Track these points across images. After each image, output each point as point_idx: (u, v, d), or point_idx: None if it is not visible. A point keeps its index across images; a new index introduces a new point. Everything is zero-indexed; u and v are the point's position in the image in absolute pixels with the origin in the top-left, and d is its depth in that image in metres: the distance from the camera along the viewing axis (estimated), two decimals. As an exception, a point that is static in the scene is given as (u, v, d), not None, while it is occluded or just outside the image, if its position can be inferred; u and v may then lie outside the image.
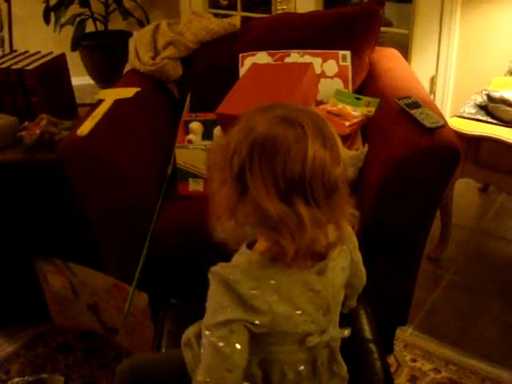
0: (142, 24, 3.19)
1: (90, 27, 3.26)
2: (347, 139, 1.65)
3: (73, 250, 1.67)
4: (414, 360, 1.65)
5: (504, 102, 1.85)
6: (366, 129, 1.67)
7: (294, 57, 1.82)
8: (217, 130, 1.70)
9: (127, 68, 1.94)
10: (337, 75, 1.83)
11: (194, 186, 1.58)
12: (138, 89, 1.72)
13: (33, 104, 1.73)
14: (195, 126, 1.71)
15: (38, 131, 1.61)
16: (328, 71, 1.83)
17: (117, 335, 1.75)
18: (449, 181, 1.41)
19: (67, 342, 1.79)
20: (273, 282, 0.84)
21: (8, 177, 1.64)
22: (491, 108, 1.89)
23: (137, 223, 1.52)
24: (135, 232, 1.53)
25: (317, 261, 0.89)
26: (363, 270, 1.06)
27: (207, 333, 0.83)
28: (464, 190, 2.33)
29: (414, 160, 1.35)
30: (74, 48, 3.06)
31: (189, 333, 1.04)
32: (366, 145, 1.60)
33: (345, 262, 0.96)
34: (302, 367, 0.93)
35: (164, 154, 1.69)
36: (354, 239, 1.00)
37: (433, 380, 1.59)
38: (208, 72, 1.86)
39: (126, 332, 1.71)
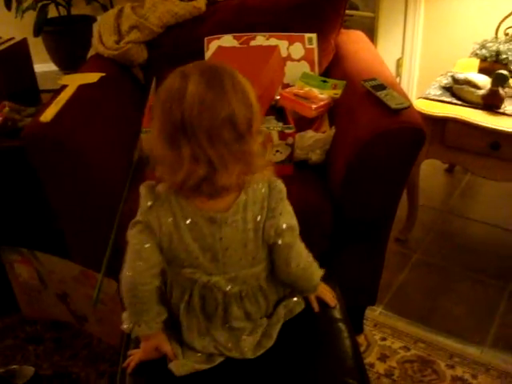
0: (105, 8, 3.13)
1: (52, 12, 3.19)
2: (314, 122, 1.66)
3: (39, 239, 1.65)
4: (383, 339, 1.68)
5: (468, 83, 1.88)
6: (332, 111, 1.68)
7: (260, 40, 1.81)
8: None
9: (91, 53, 1.90)
10: (303, 58, 1.83)
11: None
12: (103, 74, 1.69)
13: (-6, 90, 1.69)
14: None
15: (0, 118, 1.57)
16: (294, 54, 1.82)
17: (86, 323, 1.73)
18: (414, 161, 1.43)
19: (36, 332, 1.76)
20: (170, 204, 0.97)
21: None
22: (456, 89, 1.91)
23: (103, 210, 1.50)
24: (101, 219, 1.51)
25: (214, 207, 0.97)
26: (294, 264, 1.04)
27: (127, 233, 1.01)
28: (430, 171, 2.36)
29: (379, 141, 1.36)
30: (36, 34, 2.99)
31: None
32: (333, 127, 1.61)
33: (249, 222, 0.99)
34: (187, 292, 1.03)
35: (131, 139, 1.67)
36: (276, 199, 1.00)
37: (402, 357, 1.62)
38: (173, 56, 1.83)
39: (96, 320, 1.69)
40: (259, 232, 1.00)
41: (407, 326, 1.73)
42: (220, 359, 1.06)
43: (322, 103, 1.64)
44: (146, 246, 0.98)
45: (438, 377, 1.56)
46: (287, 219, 1.01)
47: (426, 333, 1.70)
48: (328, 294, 1.16)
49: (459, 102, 1.87)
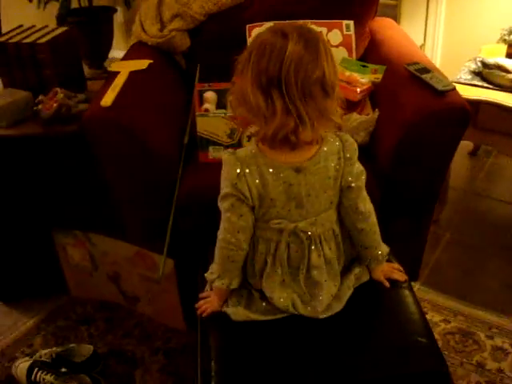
0: (126, 0, 3.17)
1: (73, 3, 3.21)
2: (358, 105, 1.72)
3: (94, 221, 1.70)
4: (424, 313, 1.75)
5: (499, 67, 1.94)
6: (374, 95, 1.74)
7: (300, 26, 1.86)
8: (208, 94, 1.74)
9: (132, 41, 1.94)
10: (341, 44, 1.89)
11: (215, 153, 1.62)
12: (151, 61, 1.74)
13: (44, 78, 1.73)
14: (209, 95, 1.74)
15: (54, 105, 1.62)
16: (333, 40, 1.88)
17: (138, 304, 1.79)
18: (460, 141, 1.49)
19: (87, 313, 1.83)
20: (258, 168, 1.06)
21: (26, 150, 1.64)
22: (486, 74, 1.98)
23: (160, 191, 1.56)
24: (158, 199, 1.56)
25: (298, 158, 1.07)
26: (361, 206, 1.15)
27: (219, 203, 1.12)
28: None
29: (428, 122, 1.43)
30: (59, 24, 3.01)
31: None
32: (377, 110, 1.67)
33: (330, 170, 1.10)
34: (273, 245, 1.13)
35: (179, 123, 1.72)
36: (351, 150, 1.11)
37: (444, 330, 1.69)
38: (215, 43, 1.89)
39: (148, 300, 1.75)
40: (338, 179, 1.12)
41: (446, 300, 1.80)
42: (282, 315, 1.14)
43: (364, 87, 1.71)
44: (242, 217, 1.10)
45: (479, 347, 1.64)
46: (358, 165, 1.14)
47: (464, 307, 1.78)
48: (395, 272, 1.23)
49: (490, 86, 1.94)
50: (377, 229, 1.19)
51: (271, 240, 1.13)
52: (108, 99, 1.49)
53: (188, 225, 1.57)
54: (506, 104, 1.85)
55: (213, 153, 1.63)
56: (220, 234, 1.14)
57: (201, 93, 1.76)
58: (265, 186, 1.07)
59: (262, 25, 1.87)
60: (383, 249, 1.20)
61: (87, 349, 1.63)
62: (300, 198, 1.10)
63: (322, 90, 0.99)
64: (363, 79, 1.74)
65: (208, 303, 1.19)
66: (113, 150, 1.49)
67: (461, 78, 2.01)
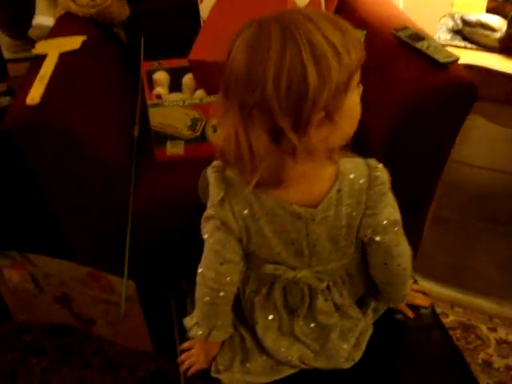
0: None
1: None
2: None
3: (33, 240, 1.41)
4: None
5: (482, 25, 1.74)
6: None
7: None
8: (187, 79, 1.46)
9: (59, 12, 1.59)
10: (309, 5, 1.62)
11: (173, 149, 1.35)
12: (84, 37, 1.42)
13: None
14: (161, 76, 1.45)
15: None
16: (299, 1, 1.61)
17: (94, 326, 1.53)
18: (465, 120, 1.29)
19: (36, 341, 1.55)
20: (247, 195, 0.81)
21: None
22: (468, 32, 1.77)
23: (110, 204, 1.29)
24: (109, 213, 1.30)
25: (300, 197, 0.81)
26: (396, 252, 0.89)
27: (202, 226, 0.86)
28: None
29: (430, 101, 1.21)
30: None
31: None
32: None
33: (343, 219, 0.83)
34: (266, 286, 0.90)
35: (126, 114, 1.44)
36: (377, 193, 0.83)
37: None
38: (161, 11, 1.59)
39: (107, 322, 1.50)
40: (354, 229, 0.85)
41: (439, 289, 1.65)
42: (289, 371, 0.91)
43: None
44: (227, 245, 0.85)
45: (482, 342, 1.49)
46: (389, 213, 0.85)
47: (460, 295, 1.62)
48: (418, 296, 1.03)
49: (474, 47, 1.74)
50: (409, 264, 0.93)
51: (264, 279, 0.90)
52: (35, 94, 1.18)
53: (149, 240, 1.31)
54: (493, 68, 1.65)
55: (171, 149, 1.35)
56: (199, 267, 0.89)
57: (149, 74, 1.46)
58: (254, 219, 0.82)
59: (215, -15, 1.57)
60: (409, 286, 0.97)
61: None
62: (300, 246, 0.86)
63: (268, 120, 0.71)
64: (340, 48, 1.49)
65: (193, 357, 0.95)
66: (46, 158, 1.20)
67: (439, 37, 1.79)
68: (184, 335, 0.98)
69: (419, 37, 1.32)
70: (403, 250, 0.90)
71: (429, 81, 1.21)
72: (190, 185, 1.32)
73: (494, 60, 1.68)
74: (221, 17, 1.43)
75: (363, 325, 0.94)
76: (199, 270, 0.88)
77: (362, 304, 0.98)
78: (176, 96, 1.43)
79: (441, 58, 1.23)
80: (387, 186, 0.83)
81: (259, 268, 0.89)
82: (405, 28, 1.37)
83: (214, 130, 1.34)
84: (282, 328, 0.92)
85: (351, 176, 0.81)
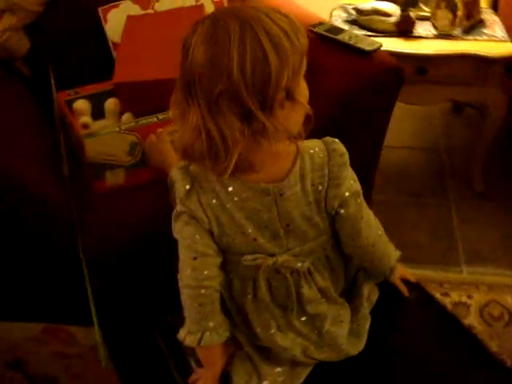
0: None
1: None
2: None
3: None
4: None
5: (377, 12, 1.82)
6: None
7: (164, 1, 1.54)
8: (110, 104, 1.39)
9: None
10: (215, 8, 1.61)
11: (113, 179, 1.27)
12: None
13: None
14: (81, 104, 1.36)
15: None
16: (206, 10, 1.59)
17: (55, 385, 1.41)
18: (395, 103, 1.34)
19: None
20: (210, 182, 0.83)
21: None
22: (364, 21, 1.85)
23: (57, 248, 1.19)
24: (58, 257, 1.20)
25: (265, 175, 0.82)
26: (361, 226, 0.90)
27: (173, 228, 0.87)
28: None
29: (364, 89, 1.26)
30: None
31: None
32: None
33: (310, 194, 0.85)
34: (249, 283, 0.90)
35: (51, 152, 1.33)
36: (338, 163, 0.86)
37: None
38: (64, 37, 1.48)
39: (69, 377, 1.38)
40: (322, 203, 0.86)
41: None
42: (306, 371, 0.91)
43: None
44: (197, 237, 0.85)
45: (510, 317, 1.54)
46: (350, 185, 0.87)
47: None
48: (406, 270, 1.06)
49: (373, 34, 1.82)
50: (384, 236, 0.97)
51: (246, 277, 0.89)
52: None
53: (107, 280, 1.22)
54: (398, 50, 1.74)
55: (111, 179, 1.27)
56: (180, 271, 0.87)
57: (69, 104, 1.37)
58: (224, 208, 0.83)
59: (118, 5, 1.51)
60: (394, 257, 1.00)
61: None
62: (275, 229, 0.86)
63: (234, 102, 0.74)
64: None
65: (200, 381, 0.91)
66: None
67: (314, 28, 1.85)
68: (182, 369, 0.93)
69: (338, 29, 1.36)
70: (369, 223, 0.91)
71: (359, 70, 1.26)
72: (139, 213, 1.27)
73: (394, 43, 1.76)
74: (135, 36, 1.38)
75: (363, 313, 0.94)
76: (178, 274, 0.86)
77: (354, 295, 0.98)
78: (102, 123, 1.35)
79: (365, 47, 1.28)
80: (346, 157, 0.87)
81: (238, 264, 0.87)
82: (321, 23, 1.40)
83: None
84: (279, 325, 0.90)
85: (311, 151, 0.84)
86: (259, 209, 0.83)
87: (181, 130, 0.79)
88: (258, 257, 0.86)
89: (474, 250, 1.74)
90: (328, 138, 0.87)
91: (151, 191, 1.29)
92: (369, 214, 0.92)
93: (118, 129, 1.22)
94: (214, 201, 0.83)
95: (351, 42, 1.29)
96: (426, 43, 1.75)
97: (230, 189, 0.82)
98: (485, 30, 1.78)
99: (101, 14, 1.49)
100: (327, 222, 0.89)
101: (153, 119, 1.25)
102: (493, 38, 1.73)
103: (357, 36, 1.32)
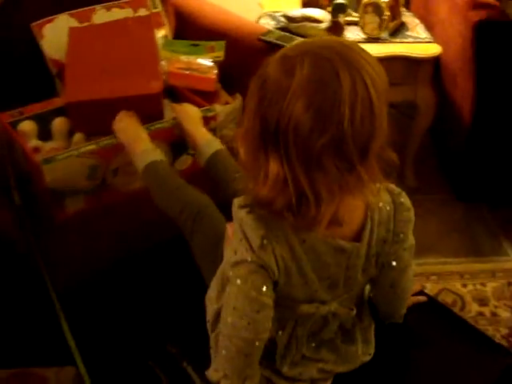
0: None
1: None
2: (213, 95, 1.45)
3: None
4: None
5: (307, 19, 1.85)
6: (225, 77, 1.48)
7: (102, 13, 1.46)
8: (57, 124, 1.29)
9: None
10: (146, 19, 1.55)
11: (74, 205, 1.19)
12: None
13: None
14: (27, 126, 1.27)
15: None
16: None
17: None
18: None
19: None
20: (285, 234, 0.75)
21: None
22: (295, 28, 1.86)
23: (22, 287, 1.09)
24: (27, 300, 1.10)
25: (341, 231, 0.77)
26: (405, 277, 0.88)
27: (231, 273, 0.78)
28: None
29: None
30: None
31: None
32: (238, 95, 1.43)
33: (373, 247, 0.81)
34: (290, 324, 0.85)
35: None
36: (404, 219, 0.81)
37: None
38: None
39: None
40: (381, 257, 0.83)
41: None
42: None
43: (215, 71, 1.44)
44: (264, 289, 0.76)
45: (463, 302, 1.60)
46: (410, 240, 0.85)
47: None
48: (416, 298, 1.04)
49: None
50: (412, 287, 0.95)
51: (287, 319, 0.84)
52: None
53: (85, 312, 1.14)
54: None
55: (71, 205, 1.19)
56: (227, 316, 0.79)
57: (13, 126, 1.26)
58: (295, 259, 0.76)
59: (52, 19, 1.42)
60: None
61: None
62: (336, 280, 0.82)
63: (338, 158, 0.68)
64: (205, 62, 1.46)
65: None
66: None
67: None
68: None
69: (288, 37, 1.37)
70: (411, 274, 0.90)
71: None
72: (107, 238, 1.20)
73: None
74: (82, 49, 1.31)
75: (365, 323, 0.94)
76: (228, 320, 0.78)
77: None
78: (51, 145, 1.26)
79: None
80: (412, 212, 0.82)
81: (290, 309, 0.82)
82: (270, 31, 1.40)
83: (115, 175, 1.22)
84: (304, 359, 0.87)
85: (380, 204, 0.79)
86: (329, 263, 0.78)
87: (252, 179, 0.72)
88: (313, 306, 0.82)
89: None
90: (394, 188, 0.82)
91: (114, 214, 1.23)
92: (413, 268, 0.91)
93: (76, 152, 1.15)
94: (287, 253, 0.75)
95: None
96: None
97: (306, 241, 0.75)
98: (408, 33, 1.87)
99: (34, 30, 1.39)
100: (377, 271, 0.87)
101: (112, 140, 1.18)
102: (418, 40, 1.83)
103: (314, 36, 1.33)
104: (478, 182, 1.87)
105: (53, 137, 1.29)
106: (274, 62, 0.70)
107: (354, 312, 0.87)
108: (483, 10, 1.58)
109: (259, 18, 1.99)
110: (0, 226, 1.10)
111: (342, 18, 1.83)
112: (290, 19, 1.88)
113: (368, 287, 0.93)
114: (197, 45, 1.52)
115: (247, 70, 1.38)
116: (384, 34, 1.84)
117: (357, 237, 0.79)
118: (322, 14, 1.86)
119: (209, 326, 0.90)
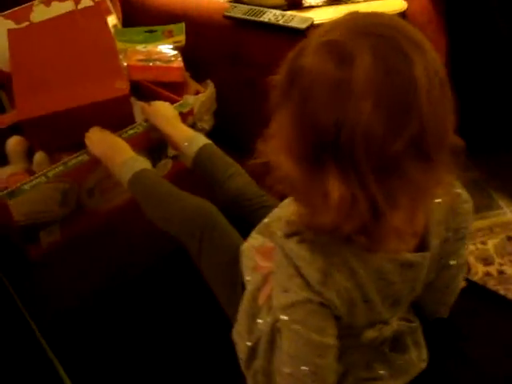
0: None
1: None
2: (182, 85, 1.29)
3: None
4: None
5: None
6: (188, 63, 1.32)
7: (40, 9, 1.27)
8: (12, 145, 1.12)
9: None
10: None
11: (50, 236, 1.04)
12: None
13: None
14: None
15: None
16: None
17: None
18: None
19: None
20: (344, 259, 0.63)
21: None
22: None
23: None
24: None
25: (402, 244, 0.65)
26: (461, 274, 0.80)
27: (285, 317, 0.65)
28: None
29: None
30: None
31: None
32: (209, 81, 1.29)
33: (433, 248, 0.71)
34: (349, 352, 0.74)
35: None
36: (465, 214, 0.72)
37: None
38: None
39: None
40: (441, 260, 0.74)
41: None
42: None
43: (179, 59, 1.28)
44: (326, 332, 0.64)
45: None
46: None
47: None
48: None
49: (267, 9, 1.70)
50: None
51: (346, 348, 0.72)
52: None
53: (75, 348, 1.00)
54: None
55: (46, 238, 1.04)
56: (284, 367, 0.67)
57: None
58: (358, 286, 0.64)
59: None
60: None
61: None
62: (399, 297, 0.71)
63: (418, 157, 0.55)
64: (167, 49, 1.30)
65: None
66: None
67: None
68: None
69: (258, 10, 1.23)
70: (465, 270, 0.81)
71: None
72: (90, 268, 1.06)
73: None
74: (26, 53, 1.13)
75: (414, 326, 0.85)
76: (286, 370, 0.66)
77: None
78: (10, 170, 1.09)
79: (299, 25, 1.16)
80: (471, 204, 0.72)
81: (354, 337, 0.72)
82: (234, 6, 1.25)
83: (90, 195, 1.06)
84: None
85: (437, 200, 0.67)
86: (394, 281, 0.67)
87: (304, 202, 0.61)
88: (377, 329, 0.72)
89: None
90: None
91: (96, 239, 1.08)
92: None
93: (44, 178, 0.98)
94: (349, 282, 0.64)
95: (281, 23, 1.16)
96: (321, 11, 1.68)
97: (369, 263, 0.64)
98: (368, -11, 1.76)
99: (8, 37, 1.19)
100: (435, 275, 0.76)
101: (83, 157, 1.02)
102: (382, -4, 1.72)
103: (283, 14, 1.19)
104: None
105: (10, 160, 1.12)
106: (313, 50, 0.56)
107: (416, 324, 0.77)
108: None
109: None
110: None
111: (298, -18, 1.69)
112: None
113: None
114: (152, 31, 1.35)
115: (215, 52, 1.26)
116: (344, -6, 1.72)
117: (421, 245, 0.67)
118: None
119: (242, 364, 0.78)
